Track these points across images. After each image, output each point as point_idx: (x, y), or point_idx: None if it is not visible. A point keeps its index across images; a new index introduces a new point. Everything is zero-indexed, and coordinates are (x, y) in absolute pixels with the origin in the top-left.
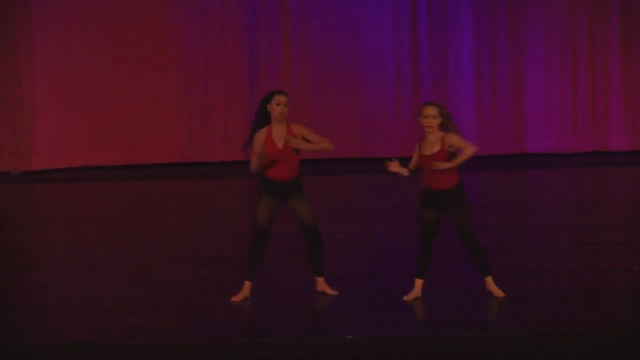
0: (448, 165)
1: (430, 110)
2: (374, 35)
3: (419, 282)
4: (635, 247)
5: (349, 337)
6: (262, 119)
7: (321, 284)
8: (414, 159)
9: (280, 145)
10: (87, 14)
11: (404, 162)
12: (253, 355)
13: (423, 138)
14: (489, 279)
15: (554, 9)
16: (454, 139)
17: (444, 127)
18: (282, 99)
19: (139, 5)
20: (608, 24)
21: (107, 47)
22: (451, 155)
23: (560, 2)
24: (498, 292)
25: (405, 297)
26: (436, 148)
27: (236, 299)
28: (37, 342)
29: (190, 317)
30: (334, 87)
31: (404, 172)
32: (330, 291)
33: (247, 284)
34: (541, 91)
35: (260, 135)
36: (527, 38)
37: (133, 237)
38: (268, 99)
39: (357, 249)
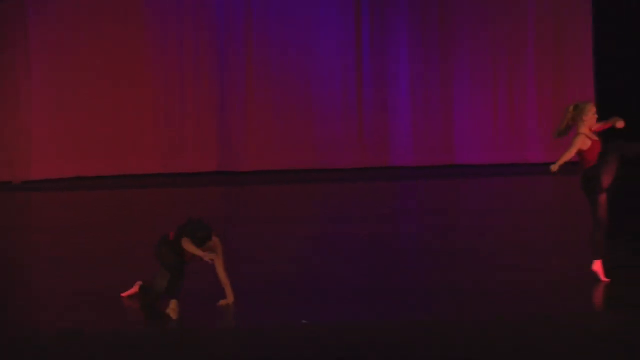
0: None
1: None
2: (325, 59)
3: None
4: (552, 248)
5: (304, 321)
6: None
7: None
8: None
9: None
10: (80, 37)
11: (355, 172)
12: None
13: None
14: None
15: (479, 41)
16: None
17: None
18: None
19: (126, 35)
20: (524, 52)
21: (95, 67)
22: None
23: (484, 35)
24: (603, 277)
25: (603, 278)
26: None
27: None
28: (32, 332)
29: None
30: (291, 104)
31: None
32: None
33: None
34: (467, 111)
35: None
36: (454, 64)
37: (122, 240)
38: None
39: (317, 253)
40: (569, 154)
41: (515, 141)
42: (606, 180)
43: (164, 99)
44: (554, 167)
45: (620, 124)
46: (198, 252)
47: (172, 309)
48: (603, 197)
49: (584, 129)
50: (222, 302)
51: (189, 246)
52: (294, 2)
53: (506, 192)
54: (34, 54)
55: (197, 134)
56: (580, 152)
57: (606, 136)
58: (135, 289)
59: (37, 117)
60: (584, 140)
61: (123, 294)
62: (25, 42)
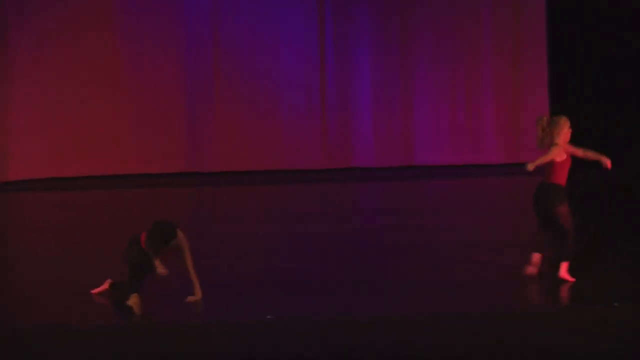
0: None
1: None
2: (290, 67)
3: (535, 256)
4: (509, 245)
5: (269, 317)
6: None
7: None
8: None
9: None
10: (58, 42)
11: (320, 174)
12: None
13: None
14: (563, 265)
15: (439, 44)
16: (553, 153)
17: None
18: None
19: (99, 39)
20: (482, 56)
21: (68, 70)
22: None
23: (444, 38)
24: (569, 279)
25: (527, 271)
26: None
27: None
28: (20, 327)
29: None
30: (257, 107)
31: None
32: None
33: None
34: (427, 113)
35: None
36: (415, 67)
37: (91, 239)
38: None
39: (281, 248)
40: (544, 159)
41: (473, 143)
42: (563, 208)
43: (134, 102)
44: (531, 167)
45: (608, 164)
46: (156, 264)
47: (134, 302)
48: (566, 208)
49: (560, 141)
50: (190, 298)
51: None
52: (261, 9)
53: (465, 192)
54: (14, 56)
55: (165, 135)
56: (551, 163)
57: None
58: (105, 286)
59: (14, 118)
60: (560, 151)
61: (93, 291)
62: (4, 43)
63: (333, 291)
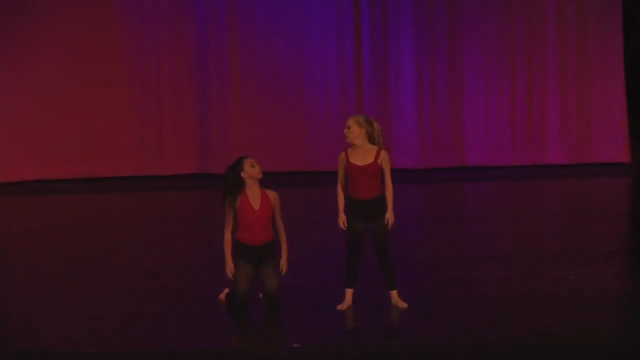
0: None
1: (347, 121)
2: (319, 53)
3: (349, 292)
4: (570, 256)
5: (296, 345)
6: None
7: None
8: (342, 173)
9: (256, 206)
10: (44, 35)
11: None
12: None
13: (348, 148)
14: (394, 293)
15: (491, 26)
16: (386, 160)
17: (374, 140)
18: (253, 160)
19: (93, 26)
20: (545, 41)
21: (61, 66)
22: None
23: (497, 19)
24: (402, 305)
25: (339, 307)
26: (369, 160)
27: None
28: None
29: (143, 324)
30: (280, 103)
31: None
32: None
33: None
34: (479, 106)
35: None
36: (465, 55)
37: (89, 247)
38: (239, 163)
39: (305, 257)
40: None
41: (534, 141)
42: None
43: (141, 98)
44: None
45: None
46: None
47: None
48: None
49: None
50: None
51: None
52: None
53: (524, 195)
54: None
55: (176, 134)
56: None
57: None
58: (222, 296)
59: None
60: None
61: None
62: None
63: (365, 311)
